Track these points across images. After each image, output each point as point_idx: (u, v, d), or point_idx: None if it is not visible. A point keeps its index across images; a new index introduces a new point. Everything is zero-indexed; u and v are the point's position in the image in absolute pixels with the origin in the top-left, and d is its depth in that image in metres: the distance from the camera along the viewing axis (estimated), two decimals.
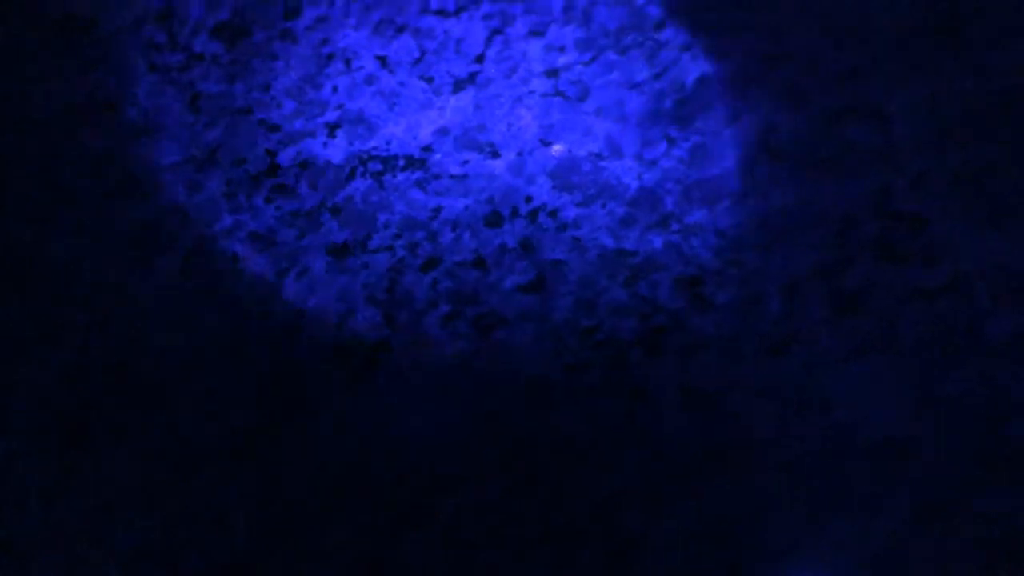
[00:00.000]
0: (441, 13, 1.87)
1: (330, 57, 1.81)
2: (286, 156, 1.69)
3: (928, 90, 1.65)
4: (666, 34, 1.81)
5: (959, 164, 1.61)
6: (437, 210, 1.63)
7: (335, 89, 1.78)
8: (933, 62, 1.68)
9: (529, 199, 1.63)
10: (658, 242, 1.59)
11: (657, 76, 1.78)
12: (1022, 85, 1.65)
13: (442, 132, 1.72)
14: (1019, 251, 1.54)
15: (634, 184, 1.66)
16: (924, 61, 1.69)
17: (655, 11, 1.85)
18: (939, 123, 1.63)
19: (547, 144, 1.70)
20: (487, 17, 1.86)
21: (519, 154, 1.68)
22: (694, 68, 1.78)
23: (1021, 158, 1.57)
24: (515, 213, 1.62)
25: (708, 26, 1.80)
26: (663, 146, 1.70)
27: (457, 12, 1.87)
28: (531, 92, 1.76)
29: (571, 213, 1.62)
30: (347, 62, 1.81)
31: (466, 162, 1.68)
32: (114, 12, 1.80)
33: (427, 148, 1.70)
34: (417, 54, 1.82)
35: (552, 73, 1.79)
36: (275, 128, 1.72)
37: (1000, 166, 1.58)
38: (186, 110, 1.74)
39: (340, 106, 1.75)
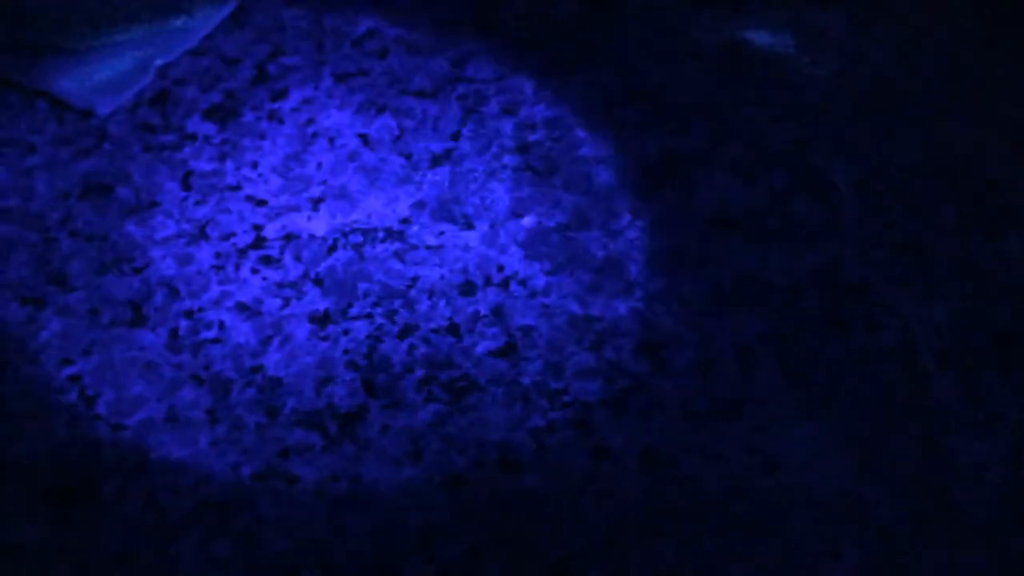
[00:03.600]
0: (419, 94, 1.97)
1: (315, 136, 1.89)
2: (272, 229, 1.76)
3: (867, 167, 1.74)
4: (629, 113, 1.90)
5: (899, 236, 1.69)
6: (414, 279, 1.70)
7: (319, 166, 1.85)
8: (871, 140, 1.78)
9: (501, 268, 1.71)
10: (623, 308, 1.67)
11: (622, 151, 1.86)
12: (950, 163, 1.74)
13: (419, 205, 1.80)
14: (957, 319, 1.61)
15: (600, 253, 1.74)
16: (862, 140, 1.78)
17: (620, 91, 1.94)
18: (879, 198, 1.72)
19: (519, 216, 1.78)
20: (462, 97, 1.96)
21: (492, 225, 1.76)
22: (654, 144, 1.86)
23: (953, 231, 1.66)
24: (488, 282, 1.70)
25: (666, 106, 1.89)
26: (627, 217, 1.78)
27: (434, 93, 1.96)
28: (504, 167, 1.84)
29: (541, 281, 1.70)
30: (331, 140, 1.89)
31: (442, 233, 1.76)
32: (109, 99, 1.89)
33: (405, 220, 1.77)
34: (397, 132, 1.91)
35: (523, 149, 1.87)
36: (262, 203, 1.79)
37: (935, 238, 1.66)
38: (178, 187, 1.82)
39: (324, 182, 1.83)
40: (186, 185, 1.87)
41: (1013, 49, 1.91)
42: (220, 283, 1.75)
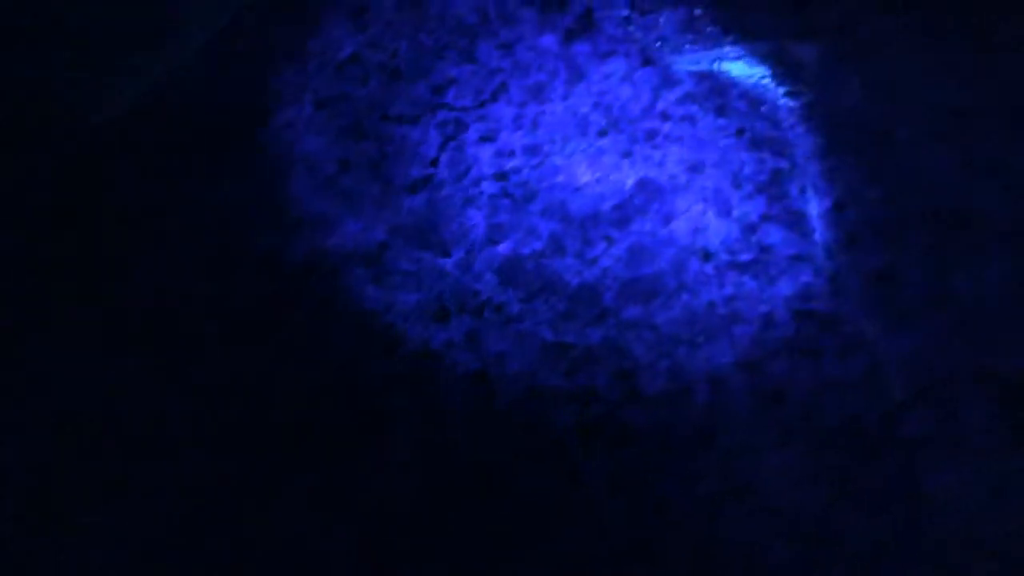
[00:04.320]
0: (399, 120, 1.99)
1: (295, 159, 1.91)
2: (258, 247, 1.78)
3: (841, 197, 1.76)
4: (606, 142, 1.92)
5: (872, 266, 1.71)
6: (390, 304, 1.71)
7: (298, 189, 1.87)
8: (845, 170, 1.80)
9: (476, 294, 1.72)
10: (596, 336, 1.67)
11: (598, 180, 1.88)
12: (924, 192, 1.77)
13: (396, 231, 1.82)
14: (929, 348, 1.63)
15: (575, 280, 1.75)
16: (837, 170, 1.81)
17: (598, 120, 1.96)
18: (852, 228, 1.74)
19: (495, 243, 1.79)
20: (442, 124, 1.97)
21: (468, 252, 1.78)
22: (632, 173, 1.88)
23: (923, 262, 1.68)
24: (462, 308, 1.71)
25: (643, 135, 1.91)
26: (602, 245, 1.79)
27: (414, 119, 1.98)
28: (481, 194, 1.86)
29: (515, 308, 1.71)
30: (310, 164, 1.91)
31: (418, 259, 1.77)
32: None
33: (382, 245, 1.79)
34: (376, 157, 1.93)
35: (501, 176, 1.89)
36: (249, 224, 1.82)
37: (905, 270, 1.68)
38: None
39: (302, 205, 1.85)
40: None
41: (987, 80, 1.94)
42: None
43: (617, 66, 2.10)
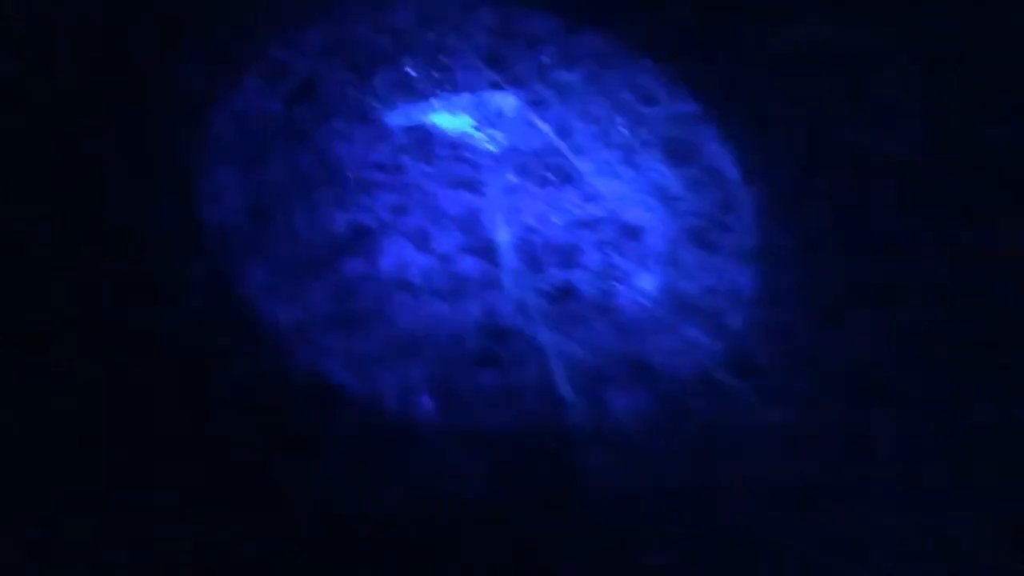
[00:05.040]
0: (123, 187, 2.11)
1: None
2: None
3: (527, 226, 2.00)
4: (323, 194, 2.10)
5: (550, 285, 1.94)
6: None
7: None
8: (532, 202, 2.04)
9: (194, 343, 1.85)
10: (299, 367, 1.83)
11: (312, 228, 2.05)
12: (596, 216, 2.01)
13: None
14: (592, 351, 1.85)
15: (286, 318, 1.90)
16: (525, 203, 2.04)
17: (316, 176, 2.13)
18: (535, 253, 1.97)
19: (213, 291, 1.93)
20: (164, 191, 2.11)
21: (187, 305, 1.91)
22: (343, 218, 2.06)
23: (594, 279, 1.91)
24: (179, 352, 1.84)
25: (357, 185, 2.10)
26: (313, 286, 1.95)
27: (136, 186, 2.11)
28: (201, 250, 2.00)
29: (231, 350, 1.85)
30: None
31: (135, 312, 1.90)
32: None
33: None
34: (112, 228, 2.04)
35: (223, 232, 2.03)
36: None
37: (578, 286, 1.92)
38: None
39: None
40: None
41: (647, 121, 2.25)
42: None
43: (336, 125, 2.32)
